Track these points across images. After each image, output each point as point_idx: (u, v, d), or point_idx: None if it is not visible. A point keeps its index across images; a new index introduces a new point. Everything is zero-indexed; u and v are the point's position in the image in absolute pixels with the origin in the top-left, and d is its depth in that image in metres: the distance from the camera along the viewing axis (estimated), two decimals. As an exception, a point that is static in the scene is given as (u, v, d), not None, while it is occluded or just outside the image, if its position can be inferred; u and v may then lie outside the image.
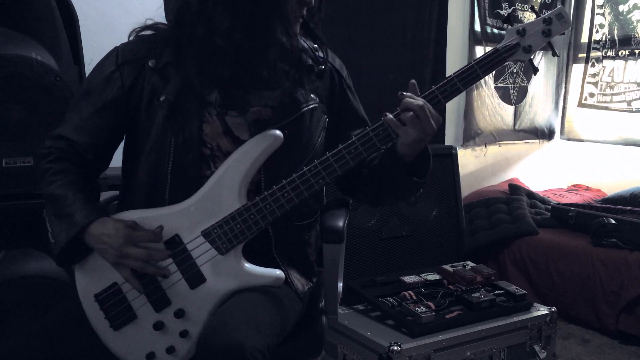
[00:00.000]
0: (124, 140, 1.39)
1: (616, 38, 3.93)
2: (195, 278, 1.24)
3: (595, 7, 4.06)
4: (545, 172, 4.21)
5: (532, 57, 1.31)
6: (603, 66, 4.02)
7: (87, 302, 1.27)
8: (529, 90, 4.00)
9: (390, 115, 1.26)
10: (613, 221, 2.94)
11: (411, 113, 1.23)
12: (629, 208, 3.20)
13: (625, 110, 3.89)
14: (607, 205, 3.33)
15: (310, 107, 1.37)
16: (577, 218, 3.18)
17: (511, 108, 3.93)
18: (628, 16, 3.88)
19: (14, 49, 1.66)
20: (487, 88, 3.76)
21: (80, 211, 1.23)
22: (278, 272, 1.27)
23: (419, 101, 1.24)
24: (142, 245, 1.22)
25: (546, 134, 4.17)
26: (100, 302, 1.26)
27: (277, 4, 1.21)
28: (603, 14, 4.00)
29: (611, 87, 3.96)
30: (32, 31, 1.73)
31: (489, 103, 3.79)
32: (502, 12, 3.71)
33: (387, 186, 1.38)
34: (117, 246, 1.20)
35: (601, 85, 4.03)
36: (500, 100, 3.85)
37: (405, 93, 1.25)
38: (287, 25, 1.23)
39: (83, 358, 1.29)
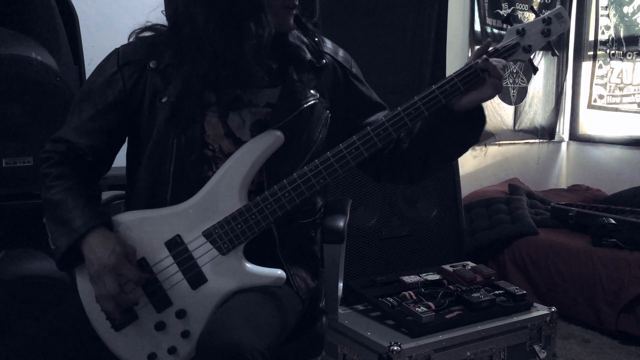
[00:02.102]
0: (127, 142, 1.39)
1: (623, 40, 3.94)
2: (196, 278, 1.24)
3: (600, 8, 4.06)
4: (545, 172, 4.21)
5: (531, 57, 1.31)
6: (611, 67, 4.02)
7: (88, 302, 1.27)
8: (528, 90, 4.00)
9: (491, 59, 1.24)
10: (613, 221, 2.94)
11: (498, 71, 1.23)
12: (628, 208, 3.20)
13: (636, 112, 3.89)
14: (607, 205, 3.33)
15: (310, 103, 1.35)
16: (577, 218, 3.18)
17: (511, 108, 3.93)
18: (633, 17, 3.88)
19: (14, 49, 1.66)
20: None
21: (80, 217, 1.22)
22: (279, 272, 1.27)
23: (502, 61, 1.25)
24: (121, 281, 1.20)
25: (546, 134, 4.17)
26: (101, 303, 1.26)
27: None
28: (608, 16, 4.01)
29: (621, 89, 3.96)
30: (32, 31, 1.73)
31: (489, 103, 3.78)
32: (501, 12, 3.71)
33: (439, 148, 1.36)
34: (99, 266, 1.19)
35: (610, 86, 4.04)
36: (500, 100, 3.85)
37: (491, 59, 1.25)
38: (261, 17, 1.22)
39: (83, 358, 1.29)
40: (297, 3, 1.29)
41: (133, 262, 1.23)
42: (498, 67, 1.24)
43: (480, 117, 1.33)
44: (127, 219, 1.28)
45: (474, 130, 1.33)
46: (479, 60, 1.24)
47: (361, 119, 1.43)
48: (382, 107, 1.48)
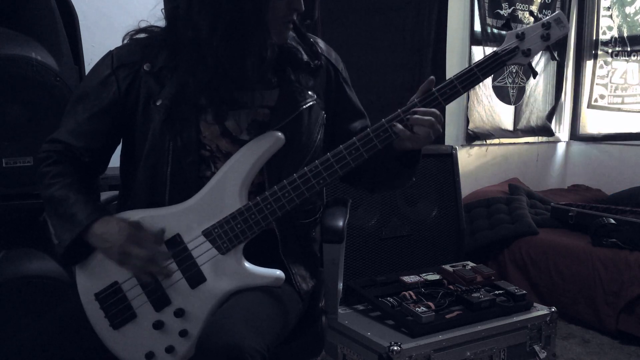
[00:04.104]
0: (120, 143, 1.39)
1: (626, 40, 3.95)
2: (195, 277, 1.24)
3: (602, 9, 4.07)
4: (545, 172, 4.21)
5: (531, 61, 1.32)
6: (613, 68, 4.03)
7: (87, 301, 1.27)
8: (528, 90, 4.00)
9: (399, 126, 1.26)
10: (613, 221, 2.94)
11: (424, 127, 1.25)
12: (628, 208, 3.20)
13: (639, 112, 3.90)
14: (607, 205, 3.33)
15: (308, 104, 1.36)
16: (577, 218, 3.18)
17: (510, 108, 3.93)
18: (635, 18, 3.89)
19: (14, 49, 1.66)
20: (486, 88, 3.76)
21: (82, 211, 1.23)
22: (278, 272, 1.27)
23: (430, 118, 1.24)
24: (144, 246, 1.22)
25: (545, 134, 4.17)
26: (100, 301, 1.26)
27: (258, 16, 1.20)
28: (611, 16, 4.01)
29: (624, 89, 3.97)
30: (32, 31, 1.73)
31: (488, 103, 3.79)
32: (502, 12, 3.71)
33: (381, 176, 1.42)
34: (120, 245, 1.21)
35: (611, 87, 4.04)
36: (499, 100, 3.85)
37: (417, 109, 1.26)
38: (265, 37, 1.23)
39: (83, 358, 1.29)
40: (295, 18, 1.30)
41: (145, 230, 1.24)
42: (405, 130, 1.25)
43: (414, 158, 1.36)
44: (128, 217, 1.28)
45: (406, 173, 1.38)
46: (383, 122, 1.26)
47: (344, 124, 1.45)
48: (363, 116, 1.50)
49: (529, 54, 1.29)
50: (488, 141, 3.83)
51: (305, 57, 1.38)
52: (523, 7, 3.81)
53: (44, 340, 1.26)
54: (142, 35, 1.33)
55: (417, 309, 2.13)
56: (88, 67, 1.69)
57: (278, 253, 1.35)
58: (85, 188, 1.29)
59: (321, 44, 1.45)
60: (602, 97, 4.14)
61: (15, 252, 1.72)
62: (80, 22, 1.88)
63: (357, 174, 1.44)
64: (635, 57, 3.92)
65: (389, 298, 2.24)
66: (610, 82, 4.07)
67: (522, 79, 3.95)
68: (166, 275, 1.24)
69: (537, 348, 2.28)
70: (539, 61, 4.03)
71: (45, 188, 1.28)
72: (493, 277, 2.41)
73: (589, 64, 4.18)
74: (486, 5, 3.66)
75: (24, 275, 1.67)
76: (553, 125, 4.20)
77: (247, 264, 1.26)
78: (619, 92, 4.02)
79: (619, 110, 4.03)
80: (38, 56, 1.68)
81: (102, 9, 2.37)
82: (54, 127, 1.36)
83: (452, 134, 3.63)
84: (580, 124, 4.26)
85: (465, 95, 3.63)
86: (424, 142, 1.28)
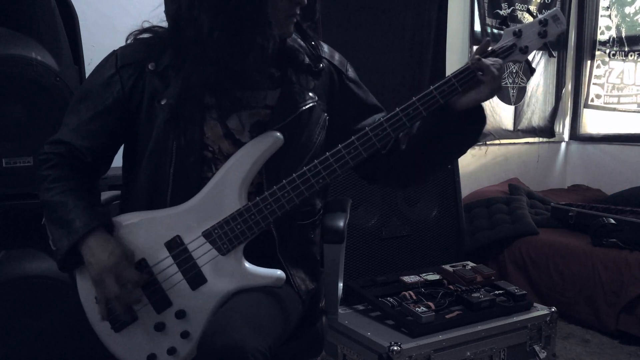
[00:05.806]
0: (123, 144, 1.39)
1: (625, 40, 3.95)
2: (196, 279, 1.24)
3: (601, 9, 4.07)
4: (545, 172, 4.21)
5: (528, 58, 1.32)
6: (611, 68, 4.03)
7: (88, 304, 1.27)
8: (529, 90, 4.00)
9: (487, 59, 1.25)
10: (613, 221, 2.95)
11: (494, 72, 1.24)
12: (628, 208, 3.20)
13: (635, 112, 3.90)
14: (607, 205, 3.34)
15: (309, 105, 1.36)
16: (577, 218, 3.18)
17: (511, 108, 3.93)
18: (635, 18, 3.89)
19: (14, 49, 1.66)
20: (486, 88, 3.76)
21: (81, 218, 1.22)
22: (279, 273, 1.27)
23: (498, 61, 1.25)
24: (122, 284, 1.20)
25: (545, 134, 4.17)
26: (101, 304, 1.26)
27: (259, 9, 1.20)
28: (609, 16, 4.02)
29: (620, 89, 3.97)
30: (32, 31, 1.73)
31: (489, 103, 3.79)
32: (501, 13, 3.72)
33: (438, 148, 1.36)
34: (99, 269, 1.19)
35: (608, 86, 4.05)
36: (499, 100, 3.85)
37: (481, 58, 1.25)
38: (267, 30, 1.23)
39: (83, 358, 1.29)
40: (297, 12, 1.30)
41: (132, 263, 1.23)
42: (492, 67, 1.24)
43: (480, 116, 1.33)
44: (127, 220, 1.28)
45: (474, 130, 1.34)
46: (472, 61, 1.25)
47: (358, 122, 1.44)
48: (378, 110, 1.49)
49: (526, 51, 1.29)
50: (488, 142, 3.83)
51: (307, 59, 1.38)
52: (522, 7, 3.81)
53: (44, 340, 1.26)
54: (146, 35, 1.33)
55: (417, 309, 2.13)
56: (88, 67, 1.69)
57: (276, 254, 1.35)
58: (86, 192, 1.28)
59: (325, 47, 1.45)
60: (598, 96, 4.15)
61: (15, 252, 1.72)
62: (80, 22, 1.87)
63: (400, 162, 1.40)
64: (632, 57, 3.92)
65: (389, 298, 2.24)
66: (607, 82, 4.08)
67: (522, 79, 3.95)
68: (126, 319, 1.23)
69: (537, 348, 2.28)
70: (539, 61, 4.03)
71: (44, 192, 1.27)
72: (493, 277, 2.41)
73: (588, 64, 4.19)
74: (486, 5, 3.66)
75: (24, 275, 1.67)
76: (554, 125, 4.20)
77: (247, 265, 1.26)
78: (615, 92, 4.02)
79: (615, 110, 4.04)
80: (38, 56, 1.68)
81: (102, 9, 2.37)
82: (54, 127, 1.35)
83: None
84: (579, 124, 4.27)
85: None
86: (486, 92, 1.25)
